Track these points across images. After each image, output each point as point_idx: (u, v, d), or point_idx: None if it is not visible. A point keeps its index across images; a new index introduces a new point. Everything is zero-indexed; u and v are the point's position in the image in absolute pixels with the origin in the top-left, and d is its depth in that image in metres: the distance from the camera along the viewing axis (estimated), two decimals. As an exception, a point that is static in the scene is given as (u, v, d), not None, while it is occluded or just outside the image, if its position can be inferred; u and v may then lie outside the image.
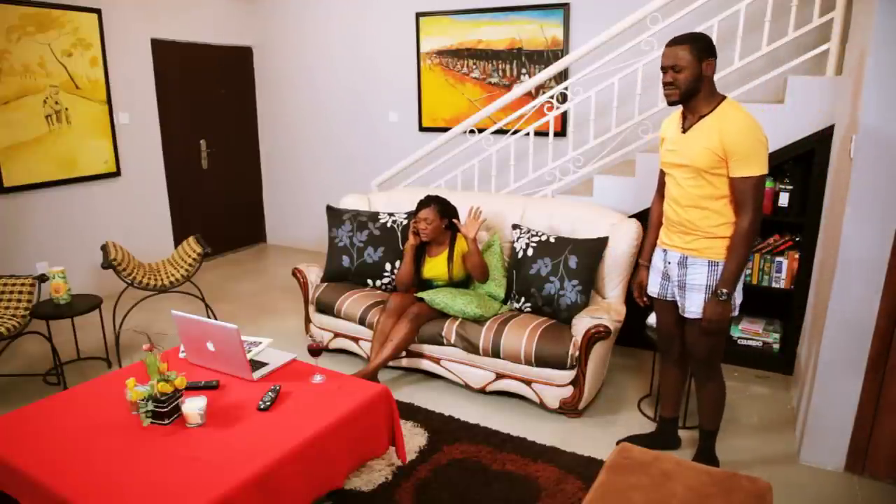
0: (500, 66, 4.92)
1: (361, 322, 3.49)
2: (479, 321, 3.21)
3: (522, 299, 3.31)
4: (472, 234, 3.28)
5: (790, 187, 3.36)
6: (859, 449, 2.57)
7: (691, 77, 2.20)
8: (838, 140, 2.95)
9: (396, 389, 3.33)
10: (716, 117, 2.22)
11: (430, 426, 2.93)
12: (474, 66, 5.03)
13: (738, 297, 2.33)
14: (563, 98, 4.14)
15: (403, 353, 3.39)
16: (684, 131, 2.31)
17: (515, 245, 3.39)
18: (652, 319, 2.81)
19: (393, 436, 2.42)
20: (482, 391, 3.26)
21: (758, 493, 1.80)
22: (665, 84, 2.25)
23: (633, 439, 2.74)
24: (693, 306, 2.37)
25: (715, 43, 3.37)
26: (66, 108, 4.58)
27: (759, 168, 2.17)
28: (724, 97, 2.27)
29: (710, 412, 2.55)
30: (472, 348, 3.17)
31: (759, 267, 3.49)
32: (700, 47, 2.20)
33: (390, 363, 3.33)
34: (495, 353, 3.10)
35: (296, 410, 2.22)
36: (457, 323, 3.24)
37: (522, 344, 3.02)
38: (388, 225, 3.72)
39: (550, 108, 3.98)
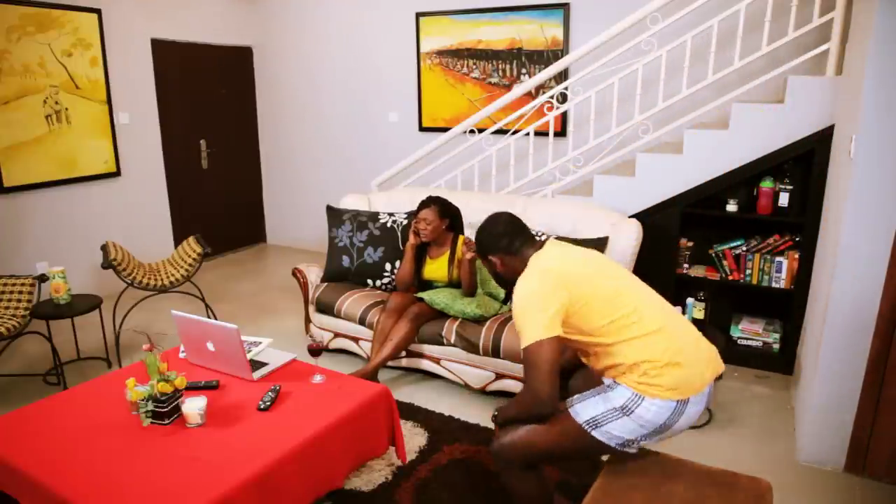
0: (500, 66, 4.92)
1: (361, 322, 3.49)
2: (479, 321, 3.20)
3: (522, 299, 3.31)
4: (469, 256, 3.21)
5: (790, 187, 3.36)
6: (859, 449, 2.57)
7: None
8: (838, 140, 2.95)
9: (396, 389, 3.33)
10: None
11: (430, 426, 2.93)
12: (474, 66, 5.03)
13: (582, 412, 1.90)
14: (563, 98, 4.14)
15: (403, 353, 3.39)
16: None
17: (515, 245, 3.38)
18: None
19: (393, 436, 2.42)
20: (482, 391, 3.26)
21: (758, 493, 1.80)
22: None
23: None
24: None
25: (715, 43, 3.44)
26: (66, 108, 4.58)
27: (522, 342, 1.82)
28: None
29: None
30: (472, 348, 3.17)
31: (759, 267, 3.49)
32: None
33: (390, 363, 3.33)
34: (495, 353, 3.10)
35: (296, 410, 2.22)
36: (457, 323, 3.24)
37: (522, 344, 3.02)
38: (388, 225, 3.72)
39: (550, 108, 3.98)
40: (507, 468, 1.97)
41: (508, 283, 2.04)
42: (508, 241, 2.01)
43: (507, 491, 2.03)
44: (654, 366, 1.78)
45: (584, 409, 1.87)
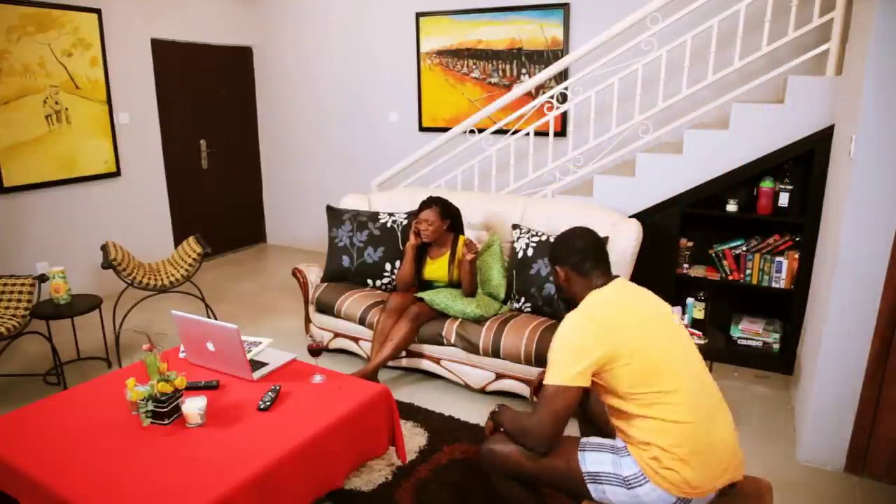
0: (500, 66, 4.92)
1: (361, 322, 3.49)
2: (479, 321, 3.20)
3: (522, 299, 3.31)
4: (470, 258, 3.22)
5: (790, 187, 3.36)
6: (859, 449, 2.57)
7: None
8: (838, 140, 2.95)
9: (396, 389, 3.33)
10: None
11: (430, 426, 2.93)
12: (474, 66, 5.03)
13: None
14: (563, 98, 4.14)
15: (403, 353, 3.39)
16: None
17: (515, 245, 3.39)
18: None
19: (393, 436, 2.42)
20: (482, 391, 3.26)
21: (758, 493, 1.80)
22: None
23: None
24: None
25: (715, 43, 3.44)
26: (66, 108, 4.58)
27: (548, 378, 1.76)
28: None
29: None
30: (472, 348, 3.17)
31: (759, 267, 3.49)
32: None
33: (390, 363, 3.33)
34: (495, 353, 3.10)
35: (296, 410, 2.22)
36: (457, 323, 3.24)
37: (522, 344, 3.02)
38: (388, 225, 3.72)
39: (550, 108, 3.98)
40: (493, 472, 1.95)
41: (564, 297, 2.03)
42: (580, 260, 1.93)
43: (496, 493, 2.01)
44: (669, 456, 1.68)
45: (593, 460, 1.80)
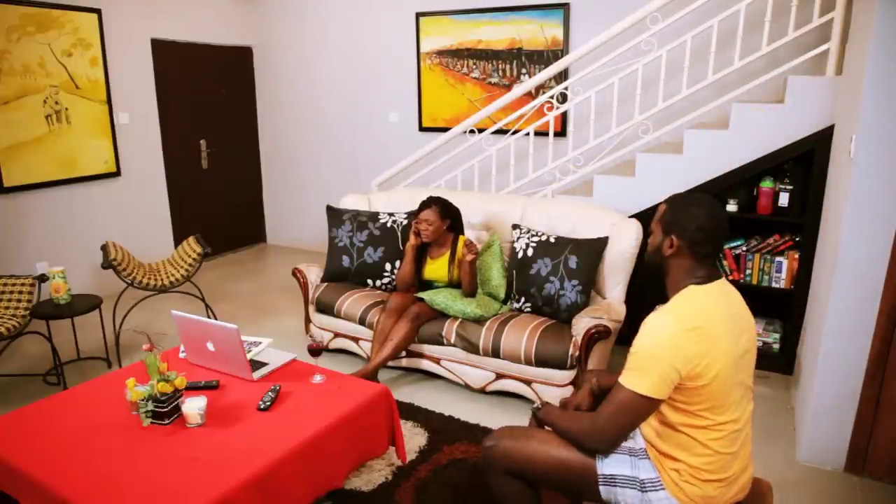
0: (500, 66, 4.92)
1: (361, 322, 3.49)
2: (479, 321, 3.20)
3: (522, 299, 3.31)
4: (470, 258, 3.22)
5: (790, 187, 3.36)
6: (859, 449, 2.57)
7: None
8: (838, 140, 2.95)
9: (396, 389, 3.33)
10: None
11: (430, 426, 2.93)
12: (474, 66, 5.03)
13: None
14: (563, 98, 4.14)
15: (403, 353, 3.39)
16: None
17: (515, 245, 3.39)
18: None
19: (393, 436, 2.42)
20: (482, 391, 3.26)
21: (758, 493, 1.80)
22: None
23: None
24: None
25: (715, 43, 3.44)
26: (66, 108, 4.58)
27: (628, 380, 1.62)
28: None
29: None
30: (472, 348, 3.17)
31: (759, 267, 3.49)
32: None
33: (390, 363, 3.33)
34: (495, 353, 3.10)
35: (296, 410, 2.22)
36: (457, 323, 3.24)
37: (522, 344, 3.02)
38: (388, 225, 3.72)
39: (550, 108, 3.98)
40: (494, 469, 1.87)
41: (653, 263, 1.79)
42: (703, 240, 1.66)
43: (490, 491, 1.92)
44: (694, 473, 1.64)
45: (610, 462, 1.74)
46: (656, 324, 1.60)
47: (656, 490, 1.68)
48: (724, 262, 3.58)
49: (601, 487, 1.74)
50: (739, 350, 1.63)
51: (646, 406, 1.60)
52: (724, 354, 1.58)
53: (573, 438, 1.76)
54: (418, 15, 5.15)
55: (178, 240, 5.48)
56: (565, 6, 4.54)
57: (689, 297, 1.65)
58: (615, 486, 1.72)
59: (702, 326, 1.58)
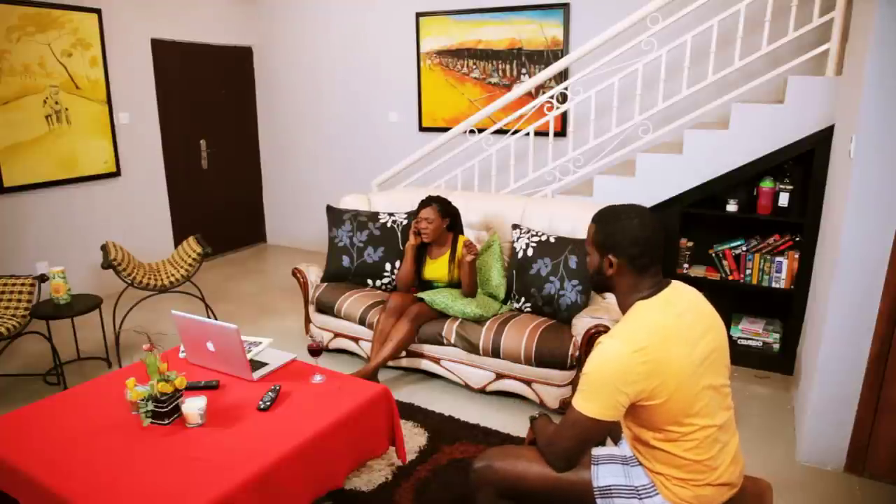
0: (500, 66, 4.92)
1: (361, 322, 3.49)
2: (479, 321, 3.20)
3: (522, 299, 3.31)
4: (470, 259, 3.21)
5: (790, 187, 3.36)
6: (859, 449, 2.57)
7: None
8: (838, 140, 2.95)
9: (396, 389, 3.33)
10: None
11: (430, 426, 2.93)
12: (474, 66, 5.03)
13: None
14: (563, 98, 4.14)
15: (403, 353, 3.39)
16: None
17: (515, 245, 3.39)
18: None
19: (393, 436, 2.42)
20: (482, 391, 3.26)
21: (758, 493, 1.80)
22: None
23: None
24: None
25: (715, 43, 3.44)
26: (66, 108, 4.58)
27: (578, 402, 1.60)
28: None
29: None
30: (472, 348, 3.17)
31: (759, 267, 3.49)
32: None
33: (390, 363, 3.33)
34: (495, 353, 3.10)
35: (296, 410, 2.22)
36: (457, 323, 3.24)
37: (522, 344, 3.02)
38: (388, 225, 3.72)
39: (550, 108, 3.98)
40: (484, 491, 1.82)
41: (599, 285, 1.74)
42: (640, 252, 1.61)
43: None
44: (678, 483, 1.63)
45: (605, 473, 1.71)
46: (605, 346, 1.57)
47: (651, 496, 1.68)
48: (725, 262, 3.59)
49: (598, 500, 1.72)
50: (699, 358, 1.57)
51: (595, 427, 1.59)
52: (677, 374, 1.53)
53: (541, 451, 1.75)
54: (418, 15, 5.15)
55: (178, 240, 5.48)
56: (565, 6, 4.54)
57: (637, 316, 1.61)
58: (611, 497, 1.70)
59: (649, 346, 1.53)
